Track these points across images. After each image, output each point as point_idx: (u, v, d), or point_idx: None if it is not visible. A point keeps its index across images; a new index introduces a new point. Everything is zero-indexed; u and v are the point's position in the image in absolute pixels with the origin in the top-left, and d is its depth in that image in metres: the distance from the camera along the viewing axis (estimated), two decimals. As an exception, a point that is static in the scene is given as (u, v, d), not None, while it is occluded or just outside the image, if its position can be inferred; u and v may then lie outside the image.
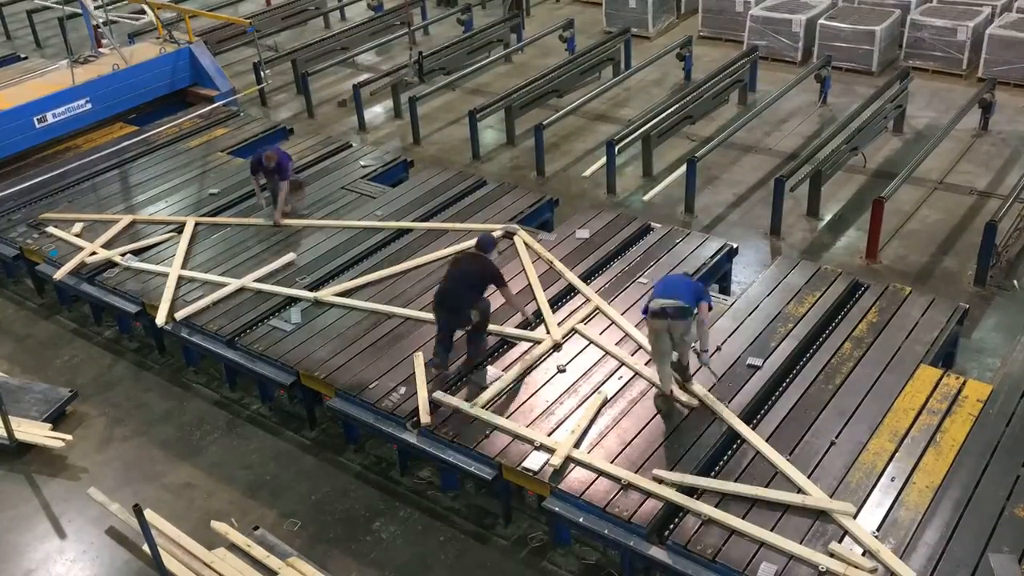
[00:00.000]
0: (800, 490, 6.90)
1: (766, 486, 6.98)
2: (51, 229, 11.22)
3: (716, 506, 6.82)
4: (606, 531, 6.86)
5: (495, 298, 8.68)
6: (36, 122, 13.30)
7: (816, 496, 6.82)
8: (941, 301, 8.98)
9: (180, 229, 11.09)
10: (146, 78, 14.65)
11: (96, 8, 15.46)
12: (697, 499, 6.89)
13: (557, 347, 8.60)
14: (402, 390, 8.22)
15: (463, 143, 14.49)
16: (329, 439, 8.99)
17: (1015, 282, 10.56)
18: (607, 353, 8.50)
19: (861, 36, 15.98)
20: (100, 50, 15.07)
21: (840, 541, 6.50)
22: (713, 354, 8.22)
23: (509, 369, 8.37)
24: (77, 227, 11.19)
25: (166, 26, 16.01)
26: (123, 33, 17.65)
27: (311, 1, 20.10)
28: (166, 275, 10.13)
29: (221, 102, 14.77)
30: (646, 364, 8.31)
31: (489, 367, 8.46)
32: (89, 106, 13.89)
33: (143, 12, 17.34)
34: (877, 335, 8.51)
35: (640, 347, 8.51)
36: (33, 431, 9.02)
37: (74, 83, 13.71)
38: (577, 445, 7.45)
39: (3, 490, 8.68)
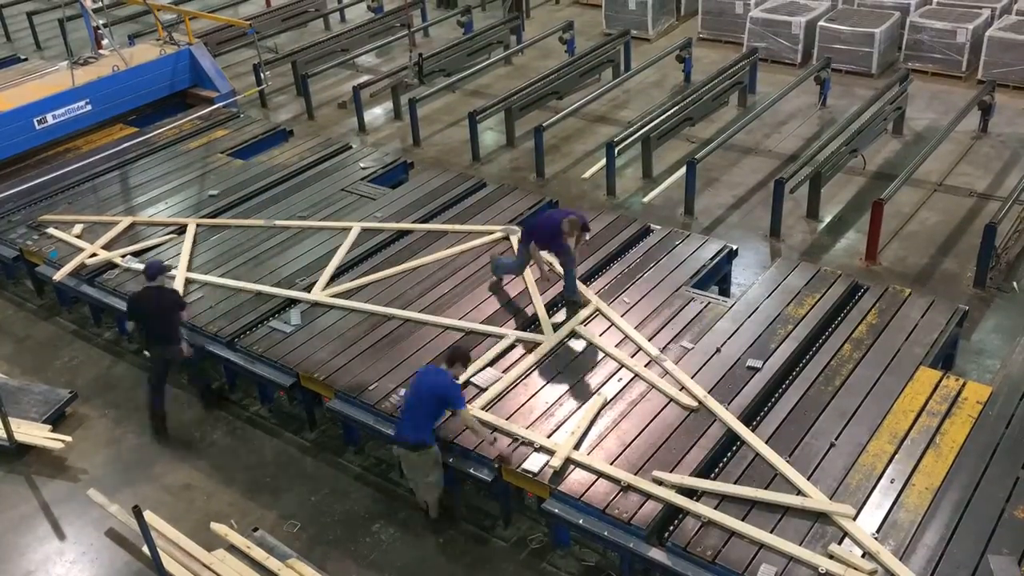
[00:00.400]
0: (800, 492, 6.90)
1: (766, 488, 6.98)
2: (51, 230, 11.22)
3: (716, 508, 6.82)
4: (606, 533, 6.85)
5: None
6: (36, 123, 13.27)
7: (815, 498, 6.82)
8: (941, 303, 8.98)
9: (181, 231, 11.10)
10: (146, 80, 14.60)
11: (96, 10, 15.45)
12: (697, 501, 6.89)
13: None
14: (401, 391, 8.22)
15: (463, 145, 14.50)
16: (329, 441, 8.99)
17: (1015, 284, 10.57)
18: (607, 355, 8.50)
19: (861, 38, 15.99)
20: (100, 51, 15.04)
21: (840, 543, 6.50)
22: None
23: (508, 371, 8.38)
24: (77, 228, 11.18)
25: (166, 28, 15.98)
26: (123, 34, 17.66)
27: (311, 3, 20.13)
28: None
29: (221, 104, 14.74)
30: (646, 365, 8.31)
31: (488, 368, 8.47)
32: (89, 107, 13.84)
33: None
34: (877, 337, 8.50)
35: (640, 348, 8.52)
36: (33, 432, 9.02)
37: (74, 84, 13.66)
38: (577, 447, 7.45)
39: (3, 491, 8.68)
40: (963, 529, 6.58)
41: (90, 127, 14.06)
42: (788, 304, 9.02)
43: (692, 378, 8.08)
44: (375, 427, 8.07)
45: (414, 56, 15.59)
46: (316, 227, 11.01)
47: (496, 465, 7.37)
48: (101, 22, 15.22)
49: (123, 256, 10.56)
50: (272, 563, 7.38)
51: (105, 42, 15.17)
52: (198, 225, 11.14)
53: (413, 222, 10.96)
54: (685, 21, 19.44)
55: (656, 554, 6.66)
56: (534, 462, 7.34)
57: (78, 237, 11.01)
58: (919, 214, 12.05)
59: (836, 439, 7.39)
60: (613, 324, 8.88)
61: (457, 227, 10.72)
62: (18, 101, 13.30)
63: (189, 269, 10.29)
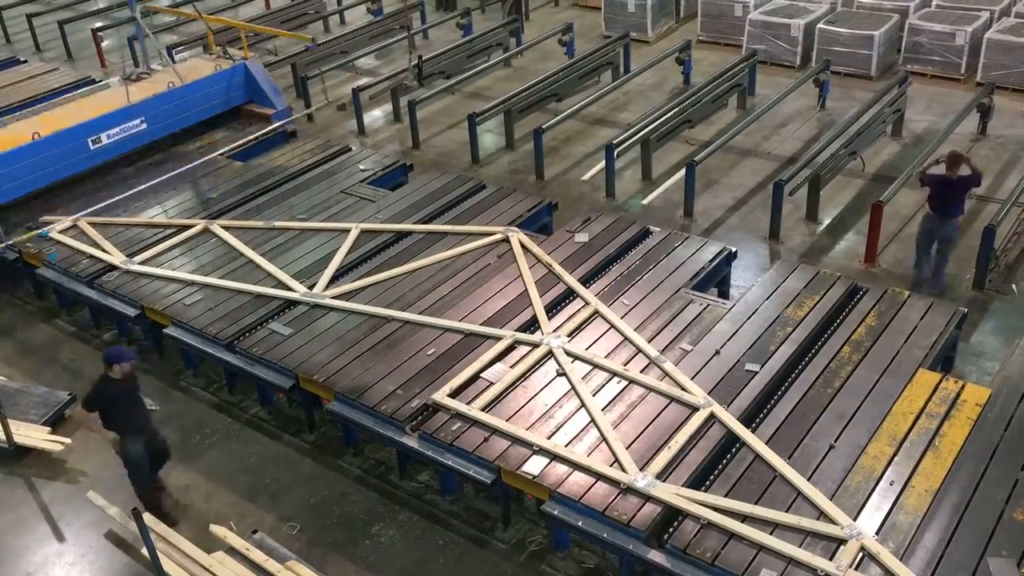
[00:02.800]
0: (800, 493, 6.90)
1: (765, 490, 6.98)
2: (50, 232, 11.20)
3: (715, 510, 6.81)
4: (605, 535, 6.85)
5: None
6: (91, 143, 12.46)
7: (811, 513, 6.80)
8: (940, 305, 8.98)
9: (180, 232, 11.10)
10: (201, 96, 13.76)
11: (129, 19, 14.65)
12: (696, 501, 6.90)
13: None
14: (400, 393, 8.22)
15: (462, 147, 14.50)
16: (328, 442, 8.99)
17: (1013, 286, 10.57)
18: (606, 355, 8.50)
19: (860, 40, 16.01)
20: (153, 67, 14.28)
21: (840, 545, 6.50)
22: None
23: (508, 373, 8.38)
24: (76, 230, 11.17)
25: (218, 41, 15.11)
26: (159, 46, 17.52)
27: (311, 5, 20.14)
28: (165, 278, 10.15)
29: (278, 121, 13.93)
30: (642, 370, 8.32)
31: (497, 364, 8.48)
32: (144, 126, 13.05)
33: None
34: (876, 339, 8.51)
35: (640, 350, 8.52)
36: (32, 434, 9.02)
37: (129, 102, 12.89)
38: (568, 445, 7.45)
39: (2, 493, 8.68)
40: (962, 531, 6.58)
41: (144, 146, 13.27)
42: (787, 306, 9.02)
43: (692, 380, 8.09)
44: (375, 429, 8.08)
45: (414, 58, 15.59)
46: (315, 229, 11.01)
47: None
48: (154, 36, 14.21)
49: (129, 256, 10.57)
50: (271, 565, 7.37)
51: (157, 60, 14.57)
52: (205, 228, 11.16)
53: (412, 224, 10.97)
54: (684, 23, 19.46)
55: (655, 556, 6.66)
56: (534, 464, 7.34)
57: (76, 238, 11.02)
58: (919, 216, 12.02)
59: (835, 441, 7.40)
60: (612, 326, 8.89)
61: (456, 228, 10.73)
62: (72, 120, 12.50)
63: (189, 270, 10.30)
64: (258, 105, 14.40)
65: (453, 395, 8.13)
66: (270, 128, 13.75)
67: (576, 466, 7.29)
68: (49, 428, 9.14)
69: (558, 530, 7.49)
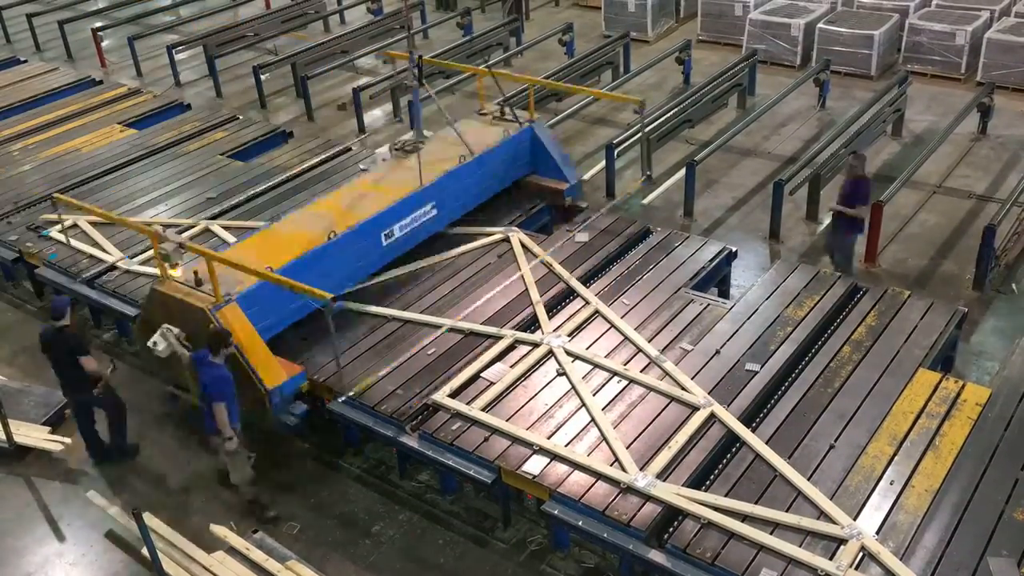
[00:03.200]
0: (800, 493, 6.90)
1: (765, 490, 6.98)
2: (51, 232, 11.20)
3: (716, 509, 6.82)
4: (605, 535, 6.85)
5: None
6: (384, 239, 9.78)
7: (812, 513, 6.81)
8: (940, 305, 8.98)
9: (182, 232, 11.09)
10: (490, 169, 10.88)
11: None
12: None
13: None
14: (400, 393, 8.22)
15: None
16: (328, 442, 8.99)
17: (1014, 286, 10.58)
18: (606, 355, 8.50)
19: (860, 40, 16.01)
20: (426, 133, 11.65)
21: (840, 545, 6.50)
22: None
23: (508, 372, 8.38)
24: (77, 229, 11.17)
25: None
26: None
27: (311, 5, 20.16)
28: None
29: (570, 197, 11.23)
30: (642, 370, 8.32)
31: (497, 364, 8.48)
32: (434, 212, 10.23)
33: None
34: (876, 339, 8.51)
35: (640, 350, 8.52)
36: (32, 434, 9.03)
37: (422, 184, 10.08)
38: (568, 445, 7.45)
39: (2, 493, 8.68)
40: (962, 531, 6.58)
41: (428, 238, 10.40)
42: (787, 306, 9.02)
43: (692, 379, 8.09)
44: (375, 429, 8.07)
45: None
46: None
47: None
48: (432, 95, 11.36)
49: (131, 256, 10.56)
50: (272, 565, 7.37)
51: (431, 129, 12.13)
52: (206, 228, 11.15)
53: (413, 224, 10.94)
54: (684, 23, 19.46)
55: (656, 556, 6.66)
56: (534, 463, 7.34)
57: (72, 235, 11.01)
58: (918, 216, 12.06)
59: (836, 441, 7.40)
60: (612, 325, 8.89)
61: (457, 228, 10.72)
62: (363, 210, 9.73)
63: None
64: (544, 177, 11.43)
65: (453, 395, 8.14)
66: (579, 228, 10.60)
67: (576, 466, 7.29)
68: (49, 428, 9.14)
69: (558, 530, 7.49)
